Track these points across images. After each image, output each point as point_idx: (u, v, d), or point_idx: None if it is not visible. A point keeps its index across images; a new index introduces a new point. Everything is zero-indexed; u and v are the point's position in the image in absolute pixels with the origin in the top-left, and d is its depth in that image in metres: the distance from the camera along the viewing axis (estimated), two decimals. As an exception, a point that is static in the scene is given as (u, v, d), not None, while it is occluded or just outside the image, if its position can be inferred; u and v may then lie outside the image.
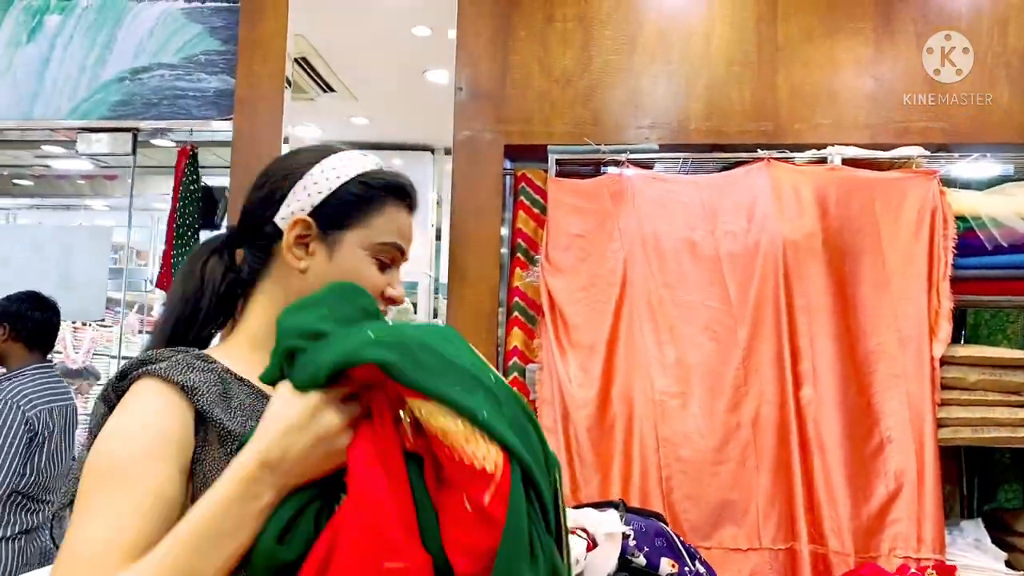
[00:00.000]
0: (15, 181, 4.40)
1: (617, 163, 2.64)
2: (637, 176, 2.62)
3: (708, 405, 2.46)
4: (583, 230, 2.61)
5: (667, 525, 1.96)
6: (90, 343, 4.69)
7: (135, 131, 3.02)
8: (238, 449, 0.88)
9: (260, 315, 1.04)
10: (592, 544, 1.74)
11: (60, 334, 3.03)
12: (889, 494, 2.36)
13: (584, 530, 1.77)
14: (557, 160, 2.67)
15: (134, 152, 3.05)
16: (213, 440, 0.91)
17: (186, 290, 1.05)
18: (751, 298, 2.47)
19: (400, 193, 1.07)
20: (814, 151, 2.60)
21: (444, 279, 2.81)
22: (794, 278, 2.47)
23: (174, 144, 3.12)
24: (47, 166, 3.88)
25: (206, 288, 1.04)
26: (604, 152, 2.63)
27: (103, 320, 4.28)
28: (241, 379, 0.98)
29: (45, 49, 3.07)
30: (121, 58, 3.03)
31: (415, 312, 3.32)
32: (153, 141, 3.16)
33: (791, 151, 2.59)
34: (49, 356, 2.82)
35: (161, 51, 3.01)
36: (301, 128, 3.08)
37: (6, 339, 2.69)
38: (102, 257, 3.31)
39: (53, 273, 3.17)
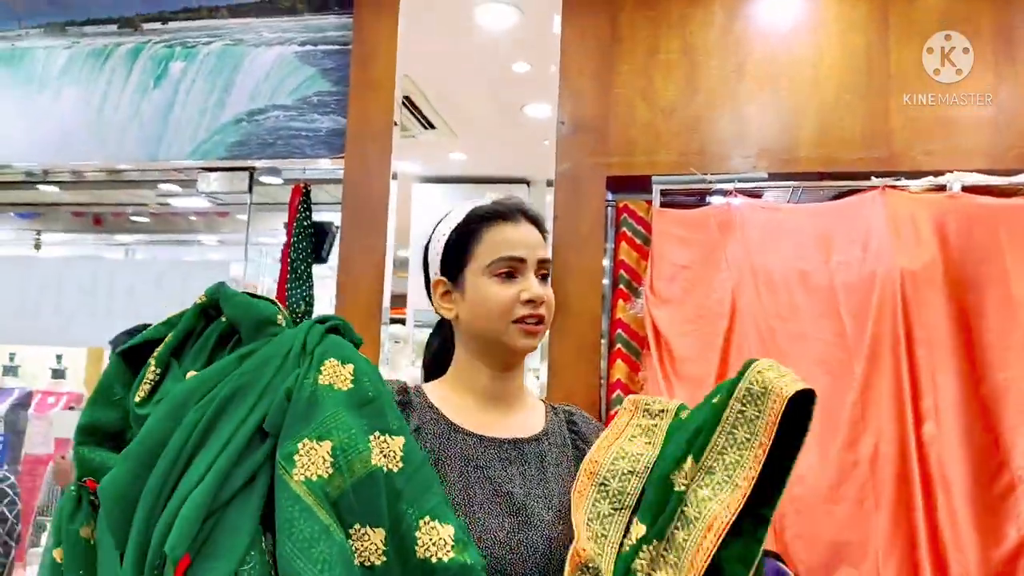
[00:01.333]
0: (132, 218, 4.64)
1: (723, 193, 2.61)
2: (745, 205, 2.58)
3: (822, 442, 2.38)
4: (689, 261, 2.58)
5: (784, 564, 1.89)
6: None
7: (252, 170, 3.15)
8: None
9: (456, 360, 1.25)
10: None
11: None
12: (1022, 538, 2.23)
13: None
14: (661, 191, 2.65)
15: (250, 190, 3.18)
16: None
17: (428, 346, 1.36)
18: (867, 331, 2.39)
19: (492, 216, 1.21)
20: (931, 178, 2.51)
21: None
22: (913, 310, 2.38)
23: (282, 182, 3.24)
24: (167, 204, 4.07)
25: (432, 343, 1.34)
26: (710, 181, 2.60)
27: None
28: (432, 406, 1.19)
29: (170, 94, 3.24)
30: (239, 101, 3.17)
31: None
32: (265, 180, 3.29)
33: (906, 178, 2.51)
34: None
35: (276, 93, 3.14)
36: (402, 164, 3.16)
37: None
38: (218, 289, 3.43)
39: (174, 306, 3.31)
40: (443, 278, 1.23)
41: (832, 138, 2.64)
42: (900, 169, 2.55)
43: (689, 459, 1.08)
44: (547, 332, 1.25)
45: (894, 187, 2.49)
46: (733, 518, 1.00)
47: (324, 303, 3.20)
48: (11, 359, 5.47)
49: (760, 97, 2.71)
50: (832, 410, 2.38)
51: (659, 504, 1.07)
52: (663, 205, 2.68)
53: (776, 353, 2.44)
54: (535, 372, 3.20)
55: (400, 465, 1.02)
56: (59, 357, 5.48)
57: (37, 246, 4.63)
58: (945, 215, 2.41)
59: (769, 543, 2.26)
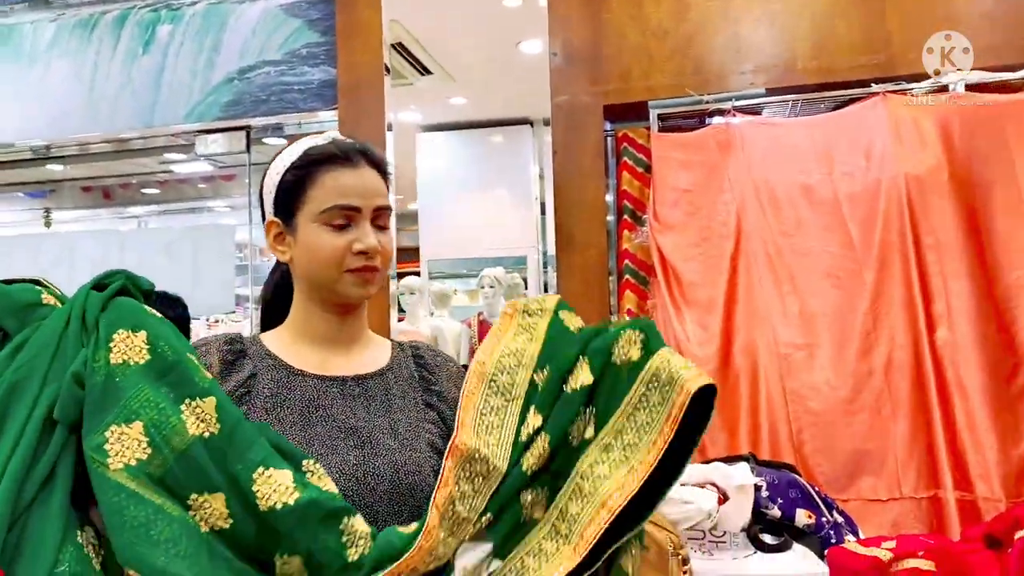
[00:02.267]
0: (143, 190, 4.67)
1: (722, 112, 2.57)
2: (744, 123, 2.54)
3: (836, 354, 2.37)
4: (691, 184, 2.55)
5: (800, 476, 1.91)
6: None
7: (248, 128, 3.14)
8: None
9: (295, 304, 1.20)
10: (723, 498, 1.72)
11: (195, 329, 3.19)
12: (1041, 436, 2.22)
13: (714, 484, 1.75)
14: (659, 115, 2.62)
15: (248, 150, 3.17)
16: None
17: (263, 290, 1.30)
18: (875, 240, 2.36)
19: (328, 158, 1.15)
20: (933, 80, 2.45)
21: (552, 251, 2.81)
22: (920, 216, 2.35)
23: (285, 140, 3.23)
24: (170, 171, 4.08)
25: (267, 286, 1.29)
26: (708, 102, 2.56)
27: (233, 314, 4.49)
28: (270, 353, 1.16)
29: (159, 59, 3.22)
30: (228, 59, 3.14)
31: (525, 288, 3.33)
32: (264, 139, 3.28)
33: (907, 82, 2.45)
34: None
35: (264, 49, 3.11)
36: (403, 114, 3.13)
37: None
38: (228, 255, 3.45)
39: (186, 273, 3.34)
40: (276, 219, 1.17)
41: (829, 47, 2.58)
42: (901, 73, 2.49)
43: (587, 423, 1.10)
44: (383, 281, 1.19)
45: (895, 92, 2.44)
46: (625, 502, 1.01)
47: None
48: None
49: (753, 11, 2.64)
50: (844, 322, 2.37)
51: (554, 404, 1.10)
52: (662, 130, 2.64)
53: (784, 269, 2.43)
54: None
55: (218, 427, 0.99)
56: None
57: (47, 224, 4.67)
58: (949, 117, 2.36)
59: (787, 457, 2.28)
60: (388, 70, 2.97)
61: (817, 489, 1.88)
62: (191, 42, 3.19)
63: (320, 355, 1.17)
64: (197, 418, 0.99)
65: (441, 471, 1.04)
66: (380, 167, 1.18)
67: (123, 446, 0.95)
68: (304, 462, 1.03)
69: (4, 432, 0.96)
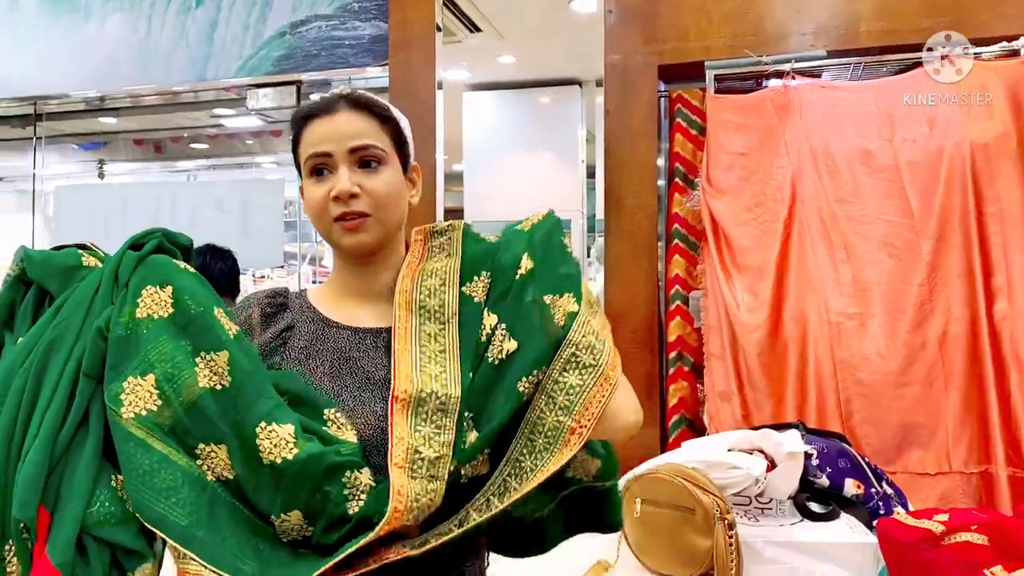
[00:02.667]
0: (192, 144, 4.71)
1: (780, 75, 2.51)
2: (803, 86, 2.48)
3: (889, 325, 2.33)
4: (746, 147, 2.50)
5: (850, 446, 1.88)
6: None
7: (298, 83, 3.14)
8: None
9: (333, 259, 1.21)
10: (772, 465, 1.70)
11: (243, 284, 3.24)
12: (1099, 413, 2.17)
13: (762, 451, 1.73)
14: (715, 76, 2.56)
15: (298, 104, 3.17)
16: None
17: None
18: (935, 209, 2.30)
19: (305, 116, 1.15)
20: (1004, 44, 2.36)
21: (599, 215, 2.78)
22: (984, 185, 2.28)
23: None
24: (220, 125, 4.11)
25: None
26: (766, 64, 2.50)
27: (281, 268, 4.54)
28: (310, 306, 1.17)
29: (212, 12, 3.22)
30: (281, 13, 3.14)
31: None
32: (314, 95, 3.28)
33: (976, 46, 2.37)
34: (237, 301, 3.02)
35: (317, 2, 3.10)
36: (451, 72, 3.10)
37: None
38: (276, 210, 3.49)
39: (235, 227, 3.37)
40: (301, 185, 1.20)
41: (893, 8, 2.49)
42: (968, 36, 2.40)
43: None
44: (390, 224, 1.15)
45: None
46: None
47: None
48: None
49: (817, -31, 2.56)
50: (899, 292, 2.32)
51: (506, 297, 1.10)
52: (718, 92, 2.59)
53: (839, 237, 2.38)
54: (592, 279, 3.19)
55: (228, 380, 1.02)
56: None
57: (101, 175, 4.73)
58: (1019, 82, 2.28)
59: (834, 427, 2.26)
60: (439, 27, 2.94)
61: (867, 460, 1.86)
62: (244, -5, 3.19)
63: (354, 307, 1.18)
64: (211, 371, 1.01)
65: (389, 430, 1.02)
66: (367, 108, 1.15)
67: (136, 396, 0.99)
68: (326, 411, 1.04)
69: (43, 387, 1.02)
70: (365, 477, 1.01)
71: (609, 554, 1.73)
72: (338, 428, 1.04)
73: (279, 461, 0.97)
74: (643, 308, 2.67)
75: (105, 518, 0.98)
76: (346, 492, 0.98)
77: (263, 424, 0.99)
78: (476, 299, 1.11)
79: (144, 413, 0.99)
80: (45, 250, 1.15)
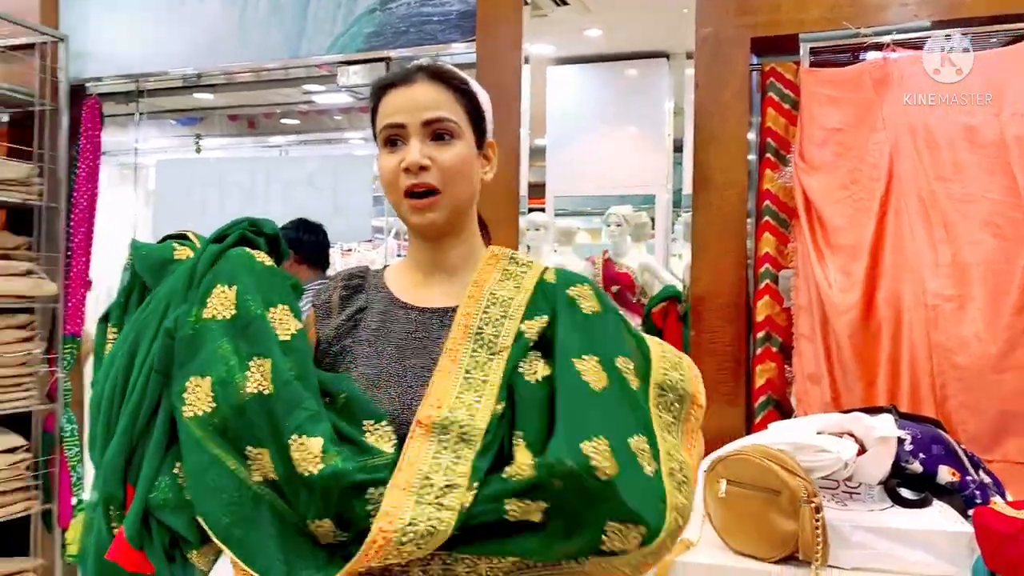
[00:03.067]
0: (284, 120, 4.83)
1: (879, 47, 2.41)
2: (903, 59, 2.38)
3: (990, 308, 2.24)
4: (841, 123, 2.42)
5: (945, 432, 1.83)
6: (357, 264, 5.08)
7: (387, 60, 3.18)
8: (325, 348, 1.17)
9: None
10: (862, 449, 1.66)
11: (332, 258, 3.32)
12: None
13: (852, 435, 1.70)
14: (810, 49, 2.48)
15: (387, 80, 3.21)
16: None
17: None
18: (1044, 187, 2.19)
19: (383, 86, 1.15)
20: (1126, 12, 2.22)
21: (685, 190, 2.74)
22: (1099, 162, 2.16)
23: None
24: (311, 102, 4.19)
25: None
26: (864, 35, 2.41)
27: (369, 243, 4.62)
28: (384, 286, 1.20)
29: (306, -13, 3.28)
30: (372, -11, 3.17)
31: (653, 227, 3.28)
32: (403, 70, 3.30)
33: (1095, 15, 2.24)
34: (328, 273, 3.11)
35: (407, -23, 3.13)
36: (536, 46, 3.09)
37: (291, 263, 2.98)
38: (365, 185, 3.54)
39: (325, 201, 3.45)
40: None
41: (1006, -25, 2.37)
42: (1088, 4, 2.27)
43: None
44: (459, 200, 1.14)
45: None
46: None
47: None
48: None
49: (922, -65, 2.45)
50: (1001, 274, 2.23)
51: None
52: (812, 66, 2.51)
53: (938, 215, 2.29)
54: (678, 255, 3.15)
55: (271, 388, 1.03)
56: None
57: (198, 150, 4.89)
58: None
59: (929, 411, 2.19)
60: (527, 1, 2.93)
61: (963, 446, 1.80)
62: (337, -29, 3.24)
63: (424, 286, 1.19)
64: (260, 375, 1.04)
65: (403, 452, 1.01)
66: (445, 80, 1.15)
67: (196, 397, 1.04)
68: (365, 422, 1.05)
69: (129, 378, 1.09)
70: None
71: (691, 532, 1.73)
72: (376, 439, 1.04)
73: (306, 474, 0.99)
74: (731, 286, 2.63)
75: (163, 503, 1.04)
76: (369, 508, 0.98)
77: (295, 436, 1.00)
78: (528, 336, 1.10)
79: (200, 414, 1.03)
80: (148, 244, 1.22)
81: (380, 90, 1.15)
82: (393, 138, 1.12)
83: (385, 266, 1.26)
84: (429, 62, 1.17)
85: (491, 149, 1.21)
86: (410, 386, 1.09)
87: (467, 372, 1.07)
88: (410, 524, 0.95)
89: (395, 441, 1.04)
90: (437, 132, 1.12)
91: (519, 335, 1.10)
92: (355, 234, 3.80)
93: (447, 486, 0.98)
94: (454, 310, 1.14)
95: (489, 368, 1.07)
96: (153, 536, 1.05)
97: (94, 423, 1.12)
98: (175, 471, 1.05)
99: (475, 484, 0.98)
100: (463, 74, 1.18)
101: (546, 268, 1.20)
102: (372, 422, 1.05)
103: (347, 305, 1.18)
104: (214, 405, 1.03)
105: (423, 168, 1.10)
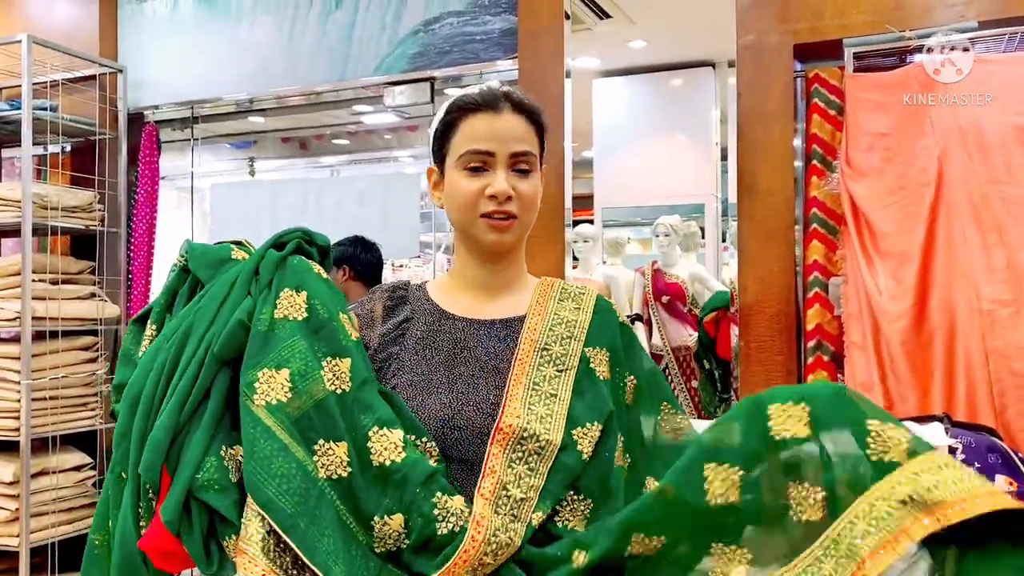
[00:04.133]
0: (334, 141, 4.93)
1: (926, 50, 2.37)
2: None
3: (1049, 314, 2.18)
4: (888, 128, 2.39)
5: (1001, 441, 1.78)
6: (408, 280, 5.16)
7: (432, 80, 3.23)
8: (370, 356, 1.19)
9: (455, 250, 1.26)
10: (913, 459, 1.63)
11: (384, 276, 3.37)
12: None
13: (903, 444, 1.66)
14: (855, 54, 2.45)
15: (432, 100, 3.26)
16: None
17: None
18: (1103, 189, 2.13)
19: (470, 106, 1.18)
20: None
21: (732, 199, 2.72)
22: None
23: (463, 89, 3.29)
24: (360, 122, 4.27)
25: None
26: (910, 38, 2.37)
27: (418, 259, 4.68)
28: (428, 298, 1.24)
29: (351, 13, 3.35)
30: (415, 11, 3.23)
31: (702, 236, 3.26)
32: (446, 90, 3.36)
33: None
34: (376, 291, 3.15)
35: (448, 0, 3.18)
36: (580, 60, 3.11)
37: (346, 279, 3.04)
38: (413, 202, 3.60)
39: (375, 219, 3.51)
40: (434, 167, 1.25)
41: (1056, -28, 2.32)
42: None
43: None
44: (528, 227, 1.21)
45: None
46: None
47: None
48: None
49: (967, -65, 2.41)
50: (1059, 279, 2.17)
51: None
52: (857, 71, 2.48)
53: (991, 219, 2.24)
54: (728, 264, 3.12)
55: (349, 385, 1.09)
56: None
57: (251, 173, 5.02)
58: None
59: (987, 420, 2.13)
60: (568, 16, 2.95)
61: (1021, 456, 1.76)
62: (380, -5, 3.31)
63: (472, 300, 1.23)
64: (333, 375, 1.10)
65: (485, 458, 1.07)
66: (527, 113, 1.20)
67: (269, 387, 1.08)
68: (410, 436, 1.10)
69: (179, 365, 1.13)
70: (457, 503, 1.05)
71: None
72: (423, 451, 1.10)
73: (388, 463, 1.05)
74: (779, 296, 2.60)
75: (208, 483, 1.07)
76: (436, 512, 1.04)
77: (376, 428, 1.07)
78: (594, 367, 1.16)
79: (274, 402, 1.07)
80: (206, 244, 1.28)
81: (463, 110, 1.19)
82: (478, 164, 1.17)
83: (424, 282, 1.31)
84: (511, 90, 1.22)
85: (543, 175, 1.27)
86: (461, 392, 1.14)
87: (535, 384, 1.12)
88: (494, 534, 1.02)
89: (438, 457, 1.10)
90: (520, 164, 1.18)
91: (584, 359, 1.16)
92: (404, 250, 3.86)
93: (521, 499, 1.04)
94: (502, 322, 1.20)
95: (557, 383, 1.13)
96: (193, 521, 1.07)
97: (129, 417, 1.15)
98: (221, 453, 1.09)
99: (546, 502, 1.06)
100: (536, 104, 1.24)
101: (596, 293, 1.27)
102: (414, 436, 1.10)
103: (391, 316, 1.23)
104: (290, 395, 1.07)
105: (508, 198, 1.16)
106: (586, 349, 1.17)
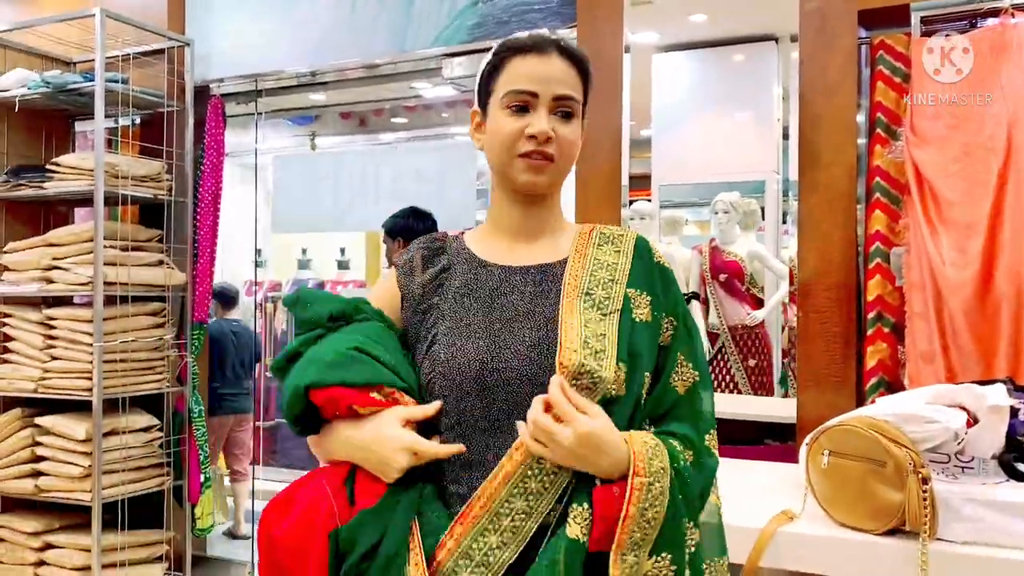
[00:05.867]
0: (393, 119, 4.99)
1: (997, 12, 2.31)
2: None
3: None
4: (956, 94, 2.33)
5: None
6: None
7: (490, 50, 3.23)
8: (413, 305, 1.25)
9: (492, 195, 1.28)
10: (973, 421, 1.61)
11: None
12: None
13: (963, 407, 1.64)
14: (922, 19, 2.40)
15: (491, 71, 3.27)
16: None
17: None
18: None
19: (518, 48, 1.19)
20: None
21: (793, 176, 2.68)
22: None
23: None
24: (419, 96, 4.31)
25: None
26: (981, 1, 2.31)
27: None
28: (465, 248, 1.27)
29: (409, -17, 3.38)
30: (473, -19, 3.24)
31: (763, 216, 3.22)
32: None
33: None
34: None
35: (508, -32, 3.18)
36: (639, 35, 3.09)
37: (402, 248, 3.09)
38: (470, 178, 3.63)
39: (433, 193, 3.55)
40: (478, 108, 1.25)
41: None
42: None
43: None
44: (564, 173, 1.23)
45: None
46: None
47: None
48: (303, 253, 6.17)
49: None
50: None
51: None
52: (924, 36, 2.43)
53: (1061, 187, 2.18)
54: (785, 247, 3.08)
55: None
56: (343, 250, 6.11)
57: (312, 147, 5.11)
58: None
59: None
60: (628, -13, 2.94)
61: (1087, 422, 1.71)
62: (439, -34, 3.32)
63: (508, 246, 1.25)
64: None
65: (551, 387, 1.08)
66: (574, 59, 1.20)
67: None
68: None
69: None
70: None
71: (794, 504, 1.71)
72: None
73: None
74: (840, 266, 2.56)
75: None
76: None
77: None
78: (636, 312, 1.18)
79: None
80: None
81: (510, 51, 1.20)
82: (520, 104, 1.18)
83: (462, 232, 1.33)
84: (561, 40, 1.22)
85: (585, 126, 1.28)
86: (498, 337, 1.17)
87: (586, 324, 1.14)
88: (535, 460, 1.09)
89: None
90: (563, 108, 1.18)
91: (627, 300, 1.18)
92: (458, 223, 3.90)
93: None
94: (539, 268, 1.22)
95: (603, 325, 1.15)
96: None
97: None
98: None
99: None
100: (584, 52, 1.24)
101: (637, 234, 1.28)
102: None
103: (430, 265, 1.26)
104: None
105: (548, 139, 1.16)
106: (628, 291, 1.18)
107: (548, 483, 1.07)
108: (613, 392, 1.11)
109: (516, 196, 1.23)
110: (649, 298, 1.19)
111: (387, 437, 1.11)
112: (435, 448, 1.12)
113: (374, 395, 1.14)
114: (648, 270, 1.22)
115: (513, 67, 1.18)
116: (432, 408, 1.15)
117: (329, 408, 1.15)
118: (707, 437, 1.18)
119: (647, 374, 1.16)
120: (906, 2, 2.44)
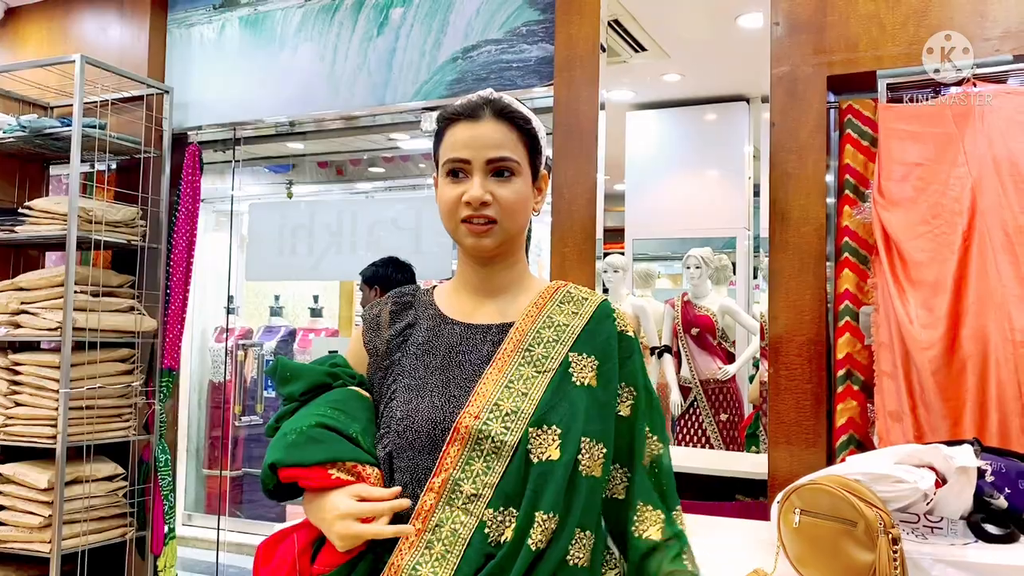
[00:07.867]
0: (370, 168, 5.03)
1: (960, 82, 2.39)
2: (985, 92, 2.35)
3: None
4: (921, 158, 2.40)
5: (1036, 469, 1.77)
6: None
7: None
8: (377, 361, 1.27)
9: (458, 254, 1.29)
10: (942, 481, 1.63)
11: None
12: None
13: (932, 467, 1.66)
14: (888, 85, 2.48)
15: (467, 125, 3.31)
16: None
17: None
18: None
19: (451, 116, 1.21)
20: None
21: (764, 234, 2.73)
22: None
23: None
24: (396, 148, 4.36)
25: None
26: (944, 70, 2.40)
27: (449, 280, 4.75)
28: (432, 303, 1.28)
29: (392, 40, 3.44)
30: (454, 39, 3.31)
31: (734, 272, 3.26)
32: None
33: None
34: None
35: (487, 28, 3.25)
36: (614, 92, 3.15)
37: (378, 297, 3.09)
38: (444, 228, 3.64)
39: (409, 242, 3.57)
40: (435, 176, 1.27)
41: (1092, 7, 2.33)
42: None
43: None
44: (512, 231, 1.22)
45: None
46: None
47: (542, 233, 3.28)
48: (276, 300, 6.14)
49: (1001, -30, 2.43)
50: (1094, 311, 2.15)
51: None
52: (891, 102, 2.50)
53: (1024, 250, 2.24)
54: (758, 302, 3.12)
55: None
56: (316, 297, 6.08)
57: (289, 195, 5.12)
58: None
59: (1020, 451, 2.11)
60: (604, 48, 3.00)
61: (1053, 484, 1.74)
62: (420, 24, 3.39)
63: (471, 303, 1.26)
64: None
65: (440, 456, 1.11)
66: (510, 119, 1.20)
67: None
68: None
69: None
70: None
71: (766, 563, 1.71)
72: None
73: None
74: (810, 324, 2.60)
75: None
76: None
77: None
78: (577, 376, 1.17)
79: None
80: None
81: (447, 120, 1.23)
82: (456, 170, 1.19)
83: (434, 286, 1.34)
84: (495, 96, 1.23)
85: (544, 181, 1.29)
86: (452, 395, 1.17)
87: (509, 383, 1.15)
88: (438, 530, 1.08)
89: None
90: (498, 169, 1.19)
91: (566, 361, 1.17)
92: (436, 272, 3.92)
93: (473, 495, 1.09)
94: (499, 327, 1.23)
95: (532, 384, 1.15)
96: None
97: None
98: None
99: (502, 506, 1.09)
100: (526, 110, 1.25)
101: (604, 299, 1.27)
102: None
103: (396, 321, 1.27)
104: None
105: (484, 203, 1.17)
106: (570, 354, 1.18)
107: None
108: (544, 457, 1.10)
109: (470, 258, 1.25)
110: (596, 363, 1.18)
111: (335, 511, 1.11)
112: (376, 529, 1.11)
113: (332, 472, 1.13)
114: (605, 337, 1.21)
115: (450, 135, 1.20)
116: (389, 492, 1.14)
117: (298, 481, 1.16)
118: (674, 514, 1.19)
119: (587, 439, 1.13)
120: (873, 69, 2.52)
